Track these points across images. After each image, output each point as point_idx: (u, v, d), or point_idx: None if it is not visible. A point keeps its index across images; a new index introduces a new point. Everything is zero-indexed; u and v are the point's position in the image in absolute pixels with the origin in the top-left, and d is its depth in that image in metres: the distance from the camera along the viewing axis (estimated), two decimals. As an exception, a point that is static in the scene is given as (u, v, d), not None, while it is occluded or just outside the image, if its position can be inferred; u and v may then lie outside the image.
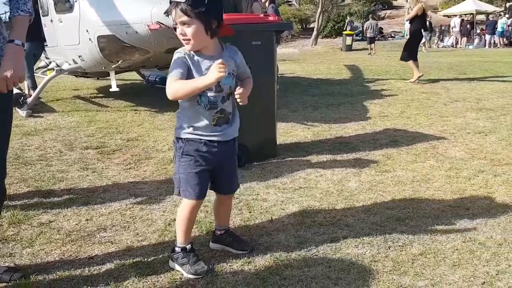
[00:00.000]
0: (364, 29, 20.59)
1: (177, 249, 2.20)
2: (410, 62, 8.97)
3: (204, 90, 1.98)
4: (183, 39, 1.98)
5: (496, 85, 8.23)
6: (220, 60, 1.90)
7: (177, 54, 2.03)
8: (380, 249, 2.36)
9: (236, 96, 2.07)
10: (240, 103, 2.09)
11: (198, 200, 2.15)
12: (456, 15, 23.79)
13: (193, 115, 2.07)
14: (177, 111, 2.15)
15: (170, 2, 1.95)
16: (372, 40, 18.90)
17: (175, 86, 1.96)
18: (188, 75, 1.99)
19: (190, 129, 2.08)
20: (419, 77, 8.79)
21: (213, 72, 1.88)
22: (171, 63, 2.02)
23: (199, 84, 1.94)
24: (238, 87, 2.10)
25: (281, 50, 18.32)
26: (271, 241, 2.47)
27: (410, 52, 9.03)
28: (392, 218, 2.74)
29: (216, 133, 2.10)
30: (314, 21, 27.20)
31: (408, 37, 9.28)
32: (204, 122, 2.07)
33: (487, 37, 22.49)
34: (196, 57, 2.02)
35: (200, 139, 2.08)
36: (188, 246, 2.20)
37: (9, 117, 2.04)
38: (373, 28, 19.11)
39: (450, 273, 2.14)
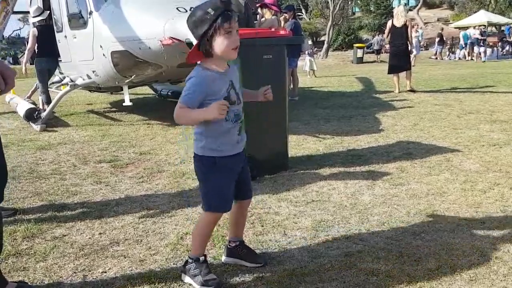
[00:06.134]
0: (373, 43, 24.79)
1: (190, 260, 2.20)
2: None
3: (229, 104, 2.01)
4: (237, 47, 2.00)
5: (510, 97, 8.14)
6: (223, 101, 1.95)
7: (195, 79, 2.00)
8: (395, 264, 2.32)
9: (268, 95, 2.23)
10: (270, 99, 2.25)
11: (222, 213, 2.20)
12: (470, 27, 23.66)
13: (219, 132, 2.07)
14: (197, 128, 2.12)
15: (229, 12, 1.95)
16: (378, 52, 23.60)
17: (179, 113, 1.98)
18: (208, 94, 1.99)
19: (216, 148, 2.08)
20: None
21: (214, 110, 1.91)
22: (189, 84, 2.00)
23: (200, 118, 1.99)
24: (265, 87, 2.24)
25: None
26: (284, 255, 2.45)
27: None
28: (407, 232, 2.70)
29: (238, 145, 2.15)
30: (325, 34, 27.32)
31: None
32: (230, 137, 2.10)
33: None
34: (211, 74, 2.01)
35: (227, 155, 2.10)
36: (202, 258, 2.19)
37: None
38: (379, 42, 23.52)
39: (467, 289, 2.09)
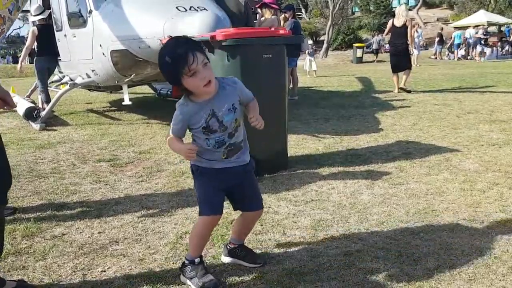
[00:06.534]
0: (372, 42, 25.28)
1: (186, 262, 2.20)
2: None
3: (209, 133, 2.06)
4: (209, 81, 1.96)
5: (509, 97, 8.15)
6: (190, 146, 2.03)
7: (177, 112, 2.07)
8: (394, 263, 2.33)
9: (254, 125, 2.10)
10: (260, 128, 2.11)
11: (213, 217, 2.15)
12: (469, 27, 23.68)
13: (204, 151, 2.11)
14: (192, 141, 2.17)
15: (183, 54, 1.90)
16: (376, 51, 24.15)
17: (168, 141, 2.13)
18: (189, 124, 2.07)
19: (204, 160, 2.13)
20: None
21: (182, 152, 2.07)
22: (174, 115, 2.08)
23: (177, 152, 2.15)
24: (250, 116, 2.11)
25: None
26: (283, 255, 2.45)
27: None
28: (406, 232, 2.70)
29: (225, 162, 2.14)
30: (324, 34, 27.34)
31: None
32: (215, 158, 2.13)
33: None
34: (191, 108, 2.04)
35: (215, 168, 2.13)
36: (197, 260, 2.18)
37: None
38: (377, 42, 24.32)
39: (466, 288, 2.10)
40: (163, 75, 2.02)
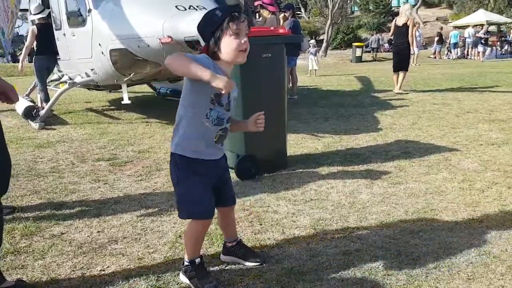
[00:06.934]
0: (370, 42, 25.93)
1: (186, 262, 2.19)
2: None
3: (216, 103, 1.99)
4: (245, 49, 1.98)
5: (508, 96, 8.16)
6: (234, 82, 1.92)
7: (205, 58, 1.98)
8: (393, 262, 2.33)
9: (259, 125, 2.14)
10: (261, 129, 2.15)
11: (208, 220, 2.11)
12: (469, 26, 23.68)
13: (196, 129, 2.01)
14: (176, 123, 2.07)
15: (237, 13, 1.94)
16: (376, 50, 24.99)
17: (180, 56, 1.92)
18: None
19: (191, 148, 2.03)
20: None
21: (220, 81, 1.83)
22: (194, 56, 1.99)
23: (199, 73, 1.84)
24: (258, 114, 2.16)
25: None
26: (282, 254, 2.46)
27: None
28: (405, 231, 2.71)
29: (214, 151, 2.10)
30: (324, 33, 27.32)
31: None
32: (207, 138, 2.04)
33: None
34: (215, 67, 1.98)
35: (203, 159, 2.05)
36: (198, 260, 2.17)
37: None
38: (376, 41, 25.20)
39: (464, 287, 2.10)
40: (203, 29, 1.99)
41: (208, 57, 1.99)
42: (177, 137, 2.06)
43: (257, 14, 8.31)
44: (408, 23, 8.83)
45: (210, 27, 1.96)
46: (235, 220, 2.49)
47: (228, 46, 1.95)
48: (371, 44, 25.24)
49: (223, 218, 2.36)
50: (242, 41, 1.95)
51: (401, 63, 9.02)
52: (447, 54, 24.17)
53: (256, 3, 7.69)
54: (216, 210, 2.18)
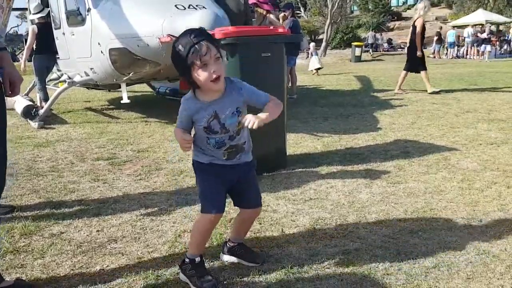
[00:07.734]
0: (367, 37, 27.16)
1: (186, 260, 2.19)
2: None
3: (210, 133, 2.06)
4: (216, 78, 1.93)
5: (508, 95, 8.17)
6: (185, 136, 2.00)
7: (182, 106, 2.07)
8: (392, 262, 2.33)
9: (246, 124, 1.95)
10: (254, 128, 1.95)
11: (215, 215, 2.13)
12: (468, 25, 23.70)
13: (206, 149, 2.12)
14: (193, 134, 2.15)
15: (197, 46, 1.88)
16: (371, 46, 25.85)
17: (174, 132, 2.11)
18: (193, 120, 2.06)
19: (205, 156, 2.13)
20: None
21: (179, 142, 2.03)
22: (180, 109, 2.08)
23: (177, 140, 2.07)
24: (245, 116, 2.01)
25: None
26: (281, 254, 2.46)
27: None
28: (405, 230, 2.71)
29: (227, 161, 2.14)
30: (323, 32, 27.32)
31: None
32: (217, 155, 2.13)
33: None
34: (194, 105, 2.04)
35: (216, 164, 2.13)
36: (198, 259, 2.18)
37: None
38: (373, 36, 26.34)
39: (464, 287, 2.10)
40: (174, 65, 1.99)
41: (189, 96, 2.06)
42: (194, 149, 2.17)
43: (255, 13, 8.29)
44: (415, 23, 8.58)
45: (179, 62, 1.95)
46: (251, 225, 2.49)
47: (198, 79, 1.94)
48: (367, 39, 26.43)
49: (242, 220, 2.37)
50: (212, 71, 1.91)
51: (410, 63, 8.78)
52: (446, 53, 24.21)
53: (250, 2, 7.66)
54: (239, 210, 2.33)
